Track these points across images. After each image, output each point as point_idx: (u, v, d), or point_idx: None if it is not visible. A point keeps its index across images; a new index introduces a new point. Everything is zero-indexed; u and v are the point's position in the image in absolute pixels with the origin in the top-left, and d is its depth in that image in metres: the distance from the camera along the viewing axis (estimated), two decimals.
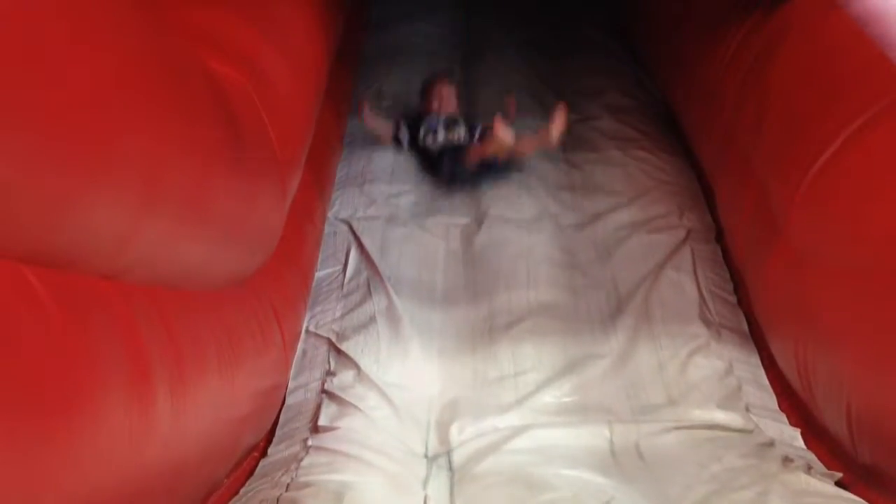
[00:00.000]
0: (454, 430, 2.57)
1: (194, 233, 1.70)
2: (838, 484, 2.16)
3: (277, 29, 2.64)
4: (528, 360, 2.93)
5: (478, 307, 3.14)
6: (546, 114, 4.10)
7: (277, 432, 2.55)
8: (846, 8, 2.67)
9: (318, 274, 3.26)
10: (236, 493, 2.13)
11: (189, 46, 1.75)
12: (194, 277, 1.82)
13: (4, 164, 0.93)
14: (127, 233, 1.32)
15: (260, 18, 2.55)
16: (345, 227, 3.46)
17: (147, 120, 1.36)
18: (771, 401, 2.71)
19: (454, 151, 3.65)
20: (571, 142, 3.99)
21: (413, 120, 3.81)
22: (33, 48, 1.00)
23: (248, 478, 2.25)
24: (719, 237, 3.38)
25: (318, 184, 3.32)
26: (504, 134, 3.30)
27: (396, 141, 3.81)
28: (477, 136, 3.71)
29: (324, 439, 2.43)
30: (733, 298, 3.13)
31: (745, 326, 3.01)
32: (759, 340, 2.94)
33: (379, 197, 3.62)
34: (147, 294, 1.49)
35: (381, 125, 3.83)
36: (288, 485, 2.13)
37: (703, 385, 2.76)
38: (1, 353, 0.91)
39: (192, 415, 1.62)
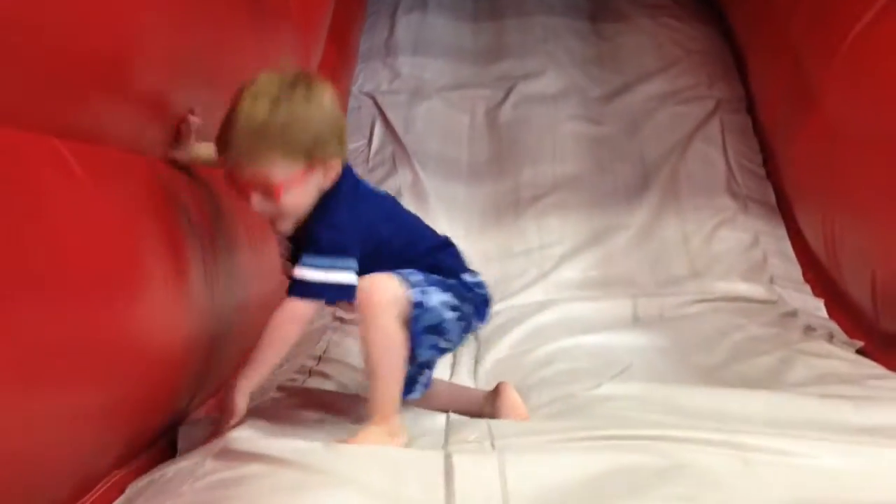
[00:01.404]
0: None
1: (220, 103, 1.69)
2: (859, 352, 2.19)
3: None
4: (554, 233, 2.95)
5: (503, 181, 3.14)
6: None
7: None
8: None
9: None
10: None
11: None
12: None
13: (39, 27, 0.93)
14: (155, 104, 1.32)
15: None
16: (369, 101, 3.43)
17: None
18: (796, 272, 2.73)
19: None
20: (600, 11, 3.88)
21: None
22: None
23: None
24: (750, 108, 3.32)
25: (340, 56, 3.27)
26: None
27: None
28: None
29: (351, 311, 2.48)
30: (762, 171, 3.11)
31: (773, 199, 3.00)
32: (785, 213, 2.93)
33: (403, 69, 3.56)
34: (175, 167, 1.51)
35: None
36: (319, 357, 2.19)
37: (728, 257, 2.78)
38: (37, 224, 0.93)
39: (224, 287, 1.65)
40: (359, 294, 1.44)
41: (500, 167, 3.21)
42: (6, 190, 0.88)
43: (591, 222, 2.98)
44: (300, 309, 1.46)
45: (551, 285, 2.74)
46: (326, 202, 1.48)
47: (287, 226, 1.48)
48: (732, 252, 2.79)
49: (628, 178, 3.13)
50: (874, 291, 2.21)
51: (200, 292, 1.53)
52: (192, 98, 1.52)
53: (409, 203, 2.98)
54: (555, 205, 3.04)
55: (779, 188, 2.99)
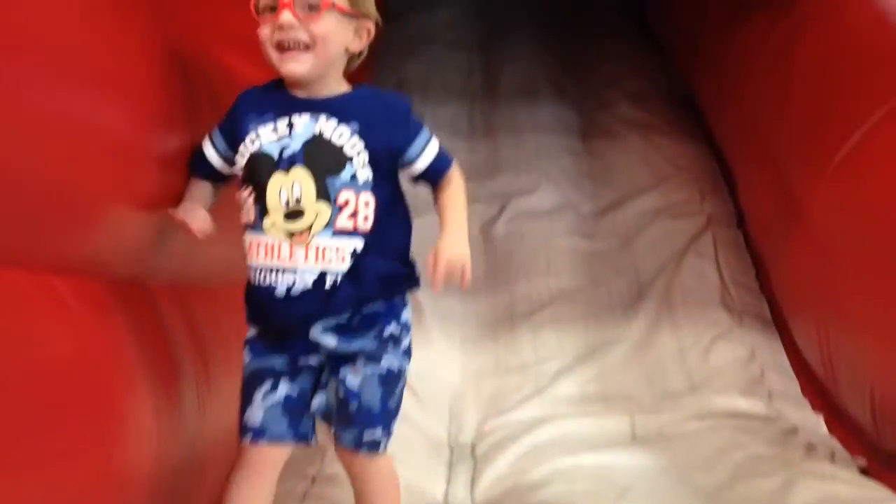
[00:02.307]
0: (477, 423, 2.59)
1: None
2: (862, 471, 2.16)
3: None
4: (550, 347, 2.94)
5: (499, 295, 3.15)
6: (566, 101, 4.10)
7: None
8: None
9: None
10: None
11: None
12: (218, 275, 1.84)
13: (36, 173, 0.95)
14: (153, 238, 1.34)
15: None
16: None
17: (179, 116, 1.38)
18: (793, 387, 2.71)
19: None
20: (591, 129, 3.98)
21: None
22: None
23: None
24: (741, 222, 3.36)
25: None
26: None
27: None
28: None
29: None
30: (755, 284, 3.12)
31: (768, 312, 3.01)
32: (781, 326, 2.93)
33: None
34: (172, 294, 1.52)
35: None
36: (314, 477, 2.15)
37: (726, 371, 2.76)
38: (32, 363, 0.93)
39: (217, 412, 1.64)
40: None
41: (495, 281, 3.22)
42: (1, 328, 0.89)
43: (586, 336, 2.97)
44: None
45: (548, 401, 2.71)
46: (365, 89, 1.52)
47: (304, 66, 1.41)
48: (730, 367, 2.78)
49: (623, 293, 3.14)
50: (874, 410, 2.19)
51: (192, 419, 1.52)
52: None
53: None
54: (550, 319, 3.04)
55: (773, 302, 3.00)
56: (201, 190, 1.52)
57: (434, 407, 2.67)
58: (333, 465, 2.22)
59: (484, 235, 3.41)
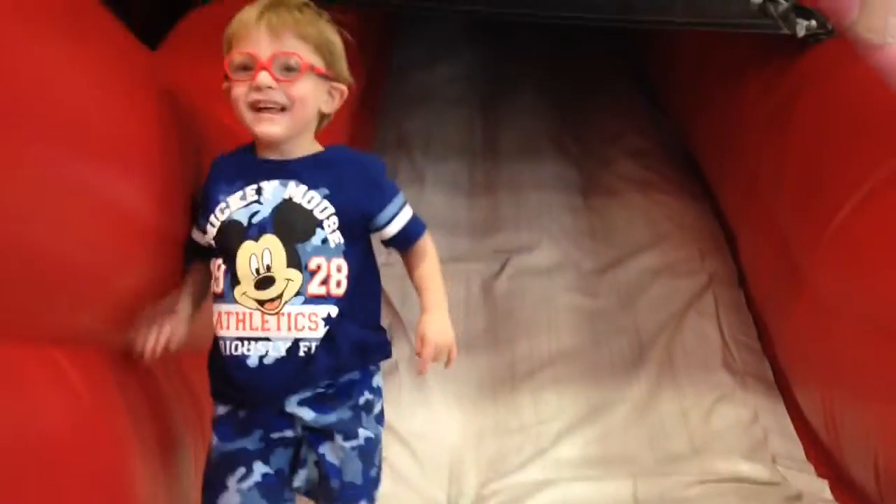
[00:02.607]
0: (477, 486, 2.56)
1: None
2: None
3: None
4: (551, 408, 2.91)
5: (499, 355, 3.13)
6: (566, 159, 4.13)
7: None
8: (868, 57, 2.66)
9: None
10: None
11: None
12: (209, 339, 1.83)
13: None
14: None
15: None
16: None
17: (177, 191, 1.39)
18: (797, 450, 2.68)
19: None
20: (592, 187, 3.99)
21: None
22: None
23: None
24: (742, 282, 3.36)
25: None
26: None
27: None
28: None
29: None
30: (757, 345, 3.10)
31: (770, 374, 2.98)
32: (784, 388, 2.90)
33: None
34: (166, 361, 1.51)
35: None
36: None
37: (728, 434, 2.73)
38: (31, 435, 0.93)
39: None
40: None
41: (496, 340, 3.20)
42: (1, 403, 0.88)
43: (588, 397, 2.94)
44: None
45: (549, 463, 2.68)
46: (338, 150, 1.54)
47: (279, 127, 1.43)
48: (732, 429, 2.75)
49: (624, 352, 3.12)
50: (878, 477, 2.16)
51: (190, 483, 1.50)
52: None
53: (405, 376, 2.97)
54: (551, 379, 3.02)
55: (775, 363, 2.98)
56: (197, 274, 1.53)
57: (433, 469, 2.63)
58: None
59: (485, 293, 3.40)
